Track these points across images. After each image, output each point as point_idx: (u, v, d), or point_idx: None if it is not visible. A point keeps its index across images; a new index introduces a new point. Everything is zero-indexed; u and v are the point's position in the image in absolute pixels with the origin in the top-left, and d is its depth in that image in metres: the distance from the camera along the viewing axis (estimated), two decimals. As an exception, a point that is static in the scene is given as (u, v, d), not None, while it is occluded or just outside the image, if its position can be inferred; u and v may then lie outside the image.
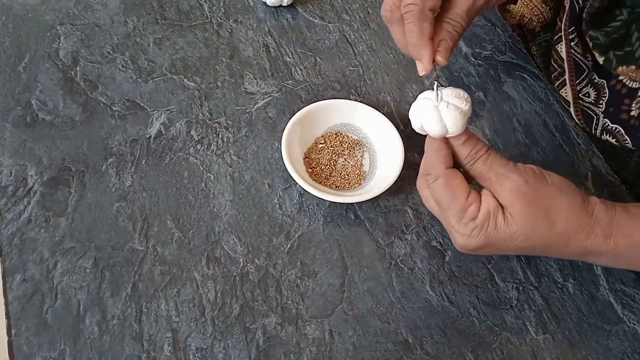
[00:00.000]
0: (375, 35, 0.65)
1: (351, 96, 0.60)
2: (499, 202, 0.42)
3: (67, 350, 0.43)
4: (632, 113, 0.54)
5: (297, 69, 0.61)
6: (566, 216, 0.41)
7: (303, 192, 0.52)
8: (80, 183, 0.51)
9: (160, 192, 0.51)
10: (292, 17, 0.66)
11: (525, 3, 0.64)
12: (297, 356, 0.45)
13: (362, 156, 0.55)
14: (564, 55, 0.60)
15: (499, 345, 0.46)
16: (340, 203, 0.52)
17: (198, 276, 0.47)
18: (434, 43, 0.45)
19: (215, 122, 0.56)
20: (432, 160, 0.43)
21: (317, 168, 0.54)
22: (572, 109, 0.60)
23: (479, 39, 0.66)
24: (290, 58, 0.62)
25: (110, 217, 0.50)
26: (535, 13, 0.63)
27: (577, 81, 0.59)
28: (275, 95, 0.59)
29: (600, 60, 0.53)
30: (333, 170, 0.54)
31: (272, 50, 0.63)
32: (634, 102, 0.54)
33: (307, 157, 0.54)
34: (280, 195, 0.52)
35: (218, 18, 0.64)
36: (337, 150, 0.55)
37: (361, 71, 0.62)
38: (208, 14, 0.65)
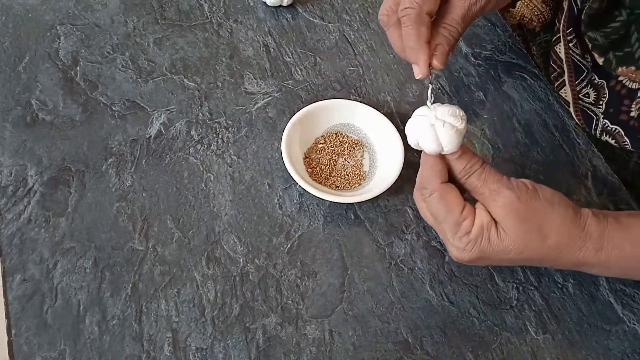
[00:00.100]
0: (375, 35, 0.65)
1: (351, 96, 0.60)
2: (492, 216, 0.42)
3: (67, 350, 0.43)
4: (632, 114, 0.54)
5: (297, 69, 0.61)
6: (558, 230, 0.42)
7: (303, 192, 0.52)
8: (80, 183, 0.51)
9: (160, 192, 0.51)
10: (292, 17, 0.66)
11: (526, 3, 0.64)
12: (297, 356, 0.45)
13: (362, 156, 0.55)
14: (562, 56, 0.60)
15: (499, 345, 0.46)
16: (340, 203, 0.52)
17: (198, 276, 0.47)
18: (431, 47, 0.45)
19: (215, 122, 0.56)
20: (427, 175, 0.44)
21: (317, 168, 0.54)
22: (572, 110, 0.60)
23: (479, 39, 0.66)
24: (290, 58, 0.62)
25: (110, 217, 0.50)
26: (536, 13, 0.64)
27: (577, 82, 0.59)
28: (275, 95, 0.59)
29: (600, 61, 0.53)
30: (333, 170, 0.54)
31: (272, 50, 0.63)
32: (634, 102, 0.54)
33: (307, 157, 0.54)
34: (280, 195, 0.52)
35: (218, 18, 0.64)
36: (337, 150, 0.55)
37: (361, 71, 0.62)
38: (208, 14, 0.65)
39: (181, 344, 0.44)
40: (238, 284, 0.47)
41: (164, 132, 0.55)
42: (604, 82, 0.56)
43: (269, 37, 0.64)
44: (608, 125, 0.57)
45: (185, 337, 0.45)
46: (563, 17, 0.59)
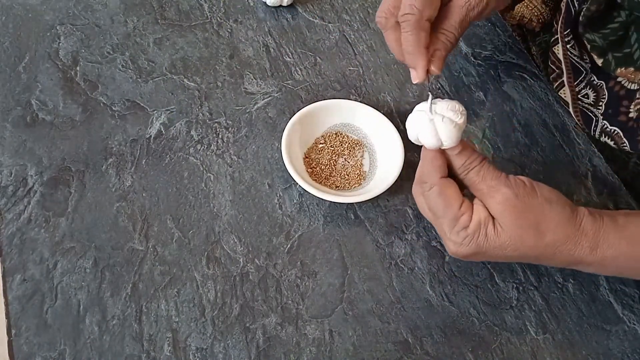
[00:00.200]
0: (375, 35, 0.65)
1: (351, 96, 0.60)
2: (490, 212, 0.43)
3: (67, 350, 0.43)
4: (631, 115, 0.54)
5: (297, 69, 0.61)
6: (554, 228, 0.42)
7: (303, 192, 0.52)
8: (80, 183, 0.51)
9: (160, 192, 0.51)
10: (292, 17, 0.66)
11: (526, 4, 0.64)
12: (297, 356, 0.45)
13: (362, 156, 0.55)
14: (561, 57, 0.60)
15: (499, 345, 0.46)
16: (340, 203, 0.52)
17: (198, 276, 0.47)
18: (429, 52, 0.46)
19: (215, 122, 0.56)
20: (427, 170, 0.44)
21: (317, 168, 0.54)
22: (571, 110, 0.60)
23: (479, 39, 0.66)
24: (290, 58, 0.62)
25: (110, 217, 0.50)
26: (535, 13, 0.64)
27: (575, 82, 0.60)
28: (275, 95, 0.59)
29: (599, 62, 0.53)
30: (333, 170, 0.54)
31: (272, 50, 0.63)
32: (632, 103, 0.54)
33: (307, 157, 0.54)
34: (280, 195, 0.52)
35: (218, 18, 0.64)
36: (337, 150, 0.55)
37: (361, 71, 0.62)
38: (208, 14, 0.65)
39: (181, 344, 0.44)
40: (238, 284, 0.47)
41: (164, 132, 0.55)
42: (603, 82, 0.56)
43: (269, 37, 0.64)
44: (607, 127, 0.57)
45: (185, 337, 0.45)
46: (560, 19, 0.59)
